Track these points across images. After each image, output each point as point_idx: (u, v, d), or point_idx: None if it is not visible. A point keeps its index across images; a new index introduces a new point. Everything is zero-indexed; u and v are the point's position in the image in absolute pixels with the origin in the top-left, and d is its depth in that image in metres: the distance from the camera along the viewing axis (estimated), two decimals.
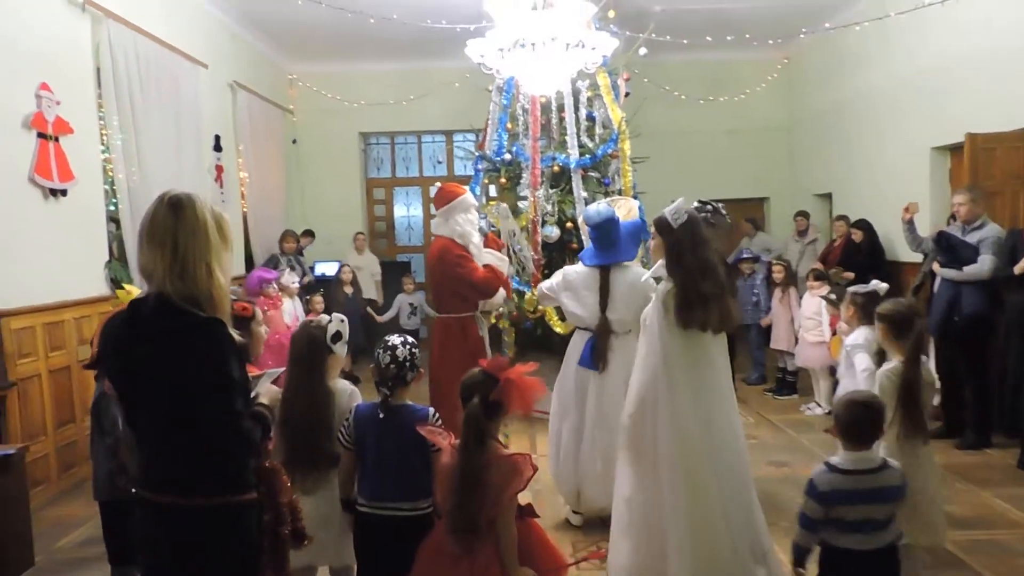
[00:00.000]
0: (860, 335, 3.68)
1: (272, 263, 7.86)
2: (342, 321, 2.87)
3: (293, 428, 2.71)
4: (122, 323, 1.97)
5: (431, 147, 10.60)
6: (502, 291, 4.70)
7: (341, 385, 2.82)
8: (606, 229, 3.93)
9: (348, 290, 8.51)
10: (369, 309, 8.84)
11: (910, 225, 5.79)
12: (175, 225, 1.92)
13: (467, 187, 4.99)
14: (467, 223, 4.62)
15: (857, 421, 2.48)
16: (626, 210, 4.93)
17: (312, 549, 2.68)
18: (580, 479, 3.98)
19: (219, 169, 7.42)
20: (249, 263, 8.18)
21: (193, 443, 1.87)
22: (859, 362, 3.50)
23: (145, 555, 1.98)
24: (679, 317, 2.92)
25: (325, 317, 2.86)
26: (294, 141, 9.88)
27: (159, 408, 1.88)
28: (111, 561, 3.30)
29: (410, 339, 2.63)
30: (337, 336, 2.81)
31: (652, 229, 3.22)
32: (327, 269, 9.07)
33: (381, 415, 2.52)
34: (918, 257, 6.34)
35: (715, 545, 2.86)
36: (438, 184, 4.61)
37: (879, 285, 4.00)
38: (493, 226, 6.63)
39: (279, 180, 9.19)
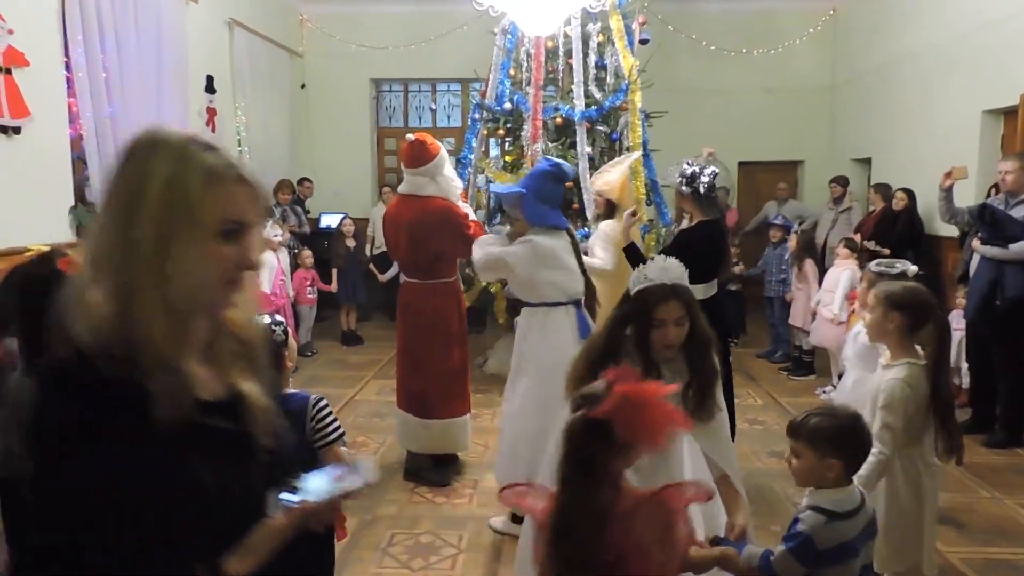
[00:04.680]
0: None
1: (268, 214, 7.53)
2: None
3: None
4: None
5: (446, 96, 10.08)
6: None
7: None
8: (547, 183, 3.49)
9: (350, 243, 8.19)
10: (372, 266, 8.51)
11: (948, 193, 5.11)
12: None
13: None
14: (451, 181, 4.14)
15: (864, 448, 1.93)
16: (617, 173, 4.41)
17: None
18: None
19: (211, 112, 7.05)
20: None
21: None
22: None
23: None
24: None
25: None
26: (303, 86, 9.45)
27: None
28: (8, 542, 3.04)
29: (273, 319, 2.15)
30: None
31: None
32: (332, 221, 8.74)
33: None
34: (956, 230, 5.71)
35: None
36: (410, 136, 4.08)
37: (908, 267, 3.46)
38: (491, 181, 6.20)
39: (283, 127, 8.79)
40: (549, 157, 3.83)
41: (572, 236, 3.61)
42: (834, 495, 1.86)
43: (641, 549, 1.56)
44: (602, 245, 4.26)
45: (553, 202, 3.51)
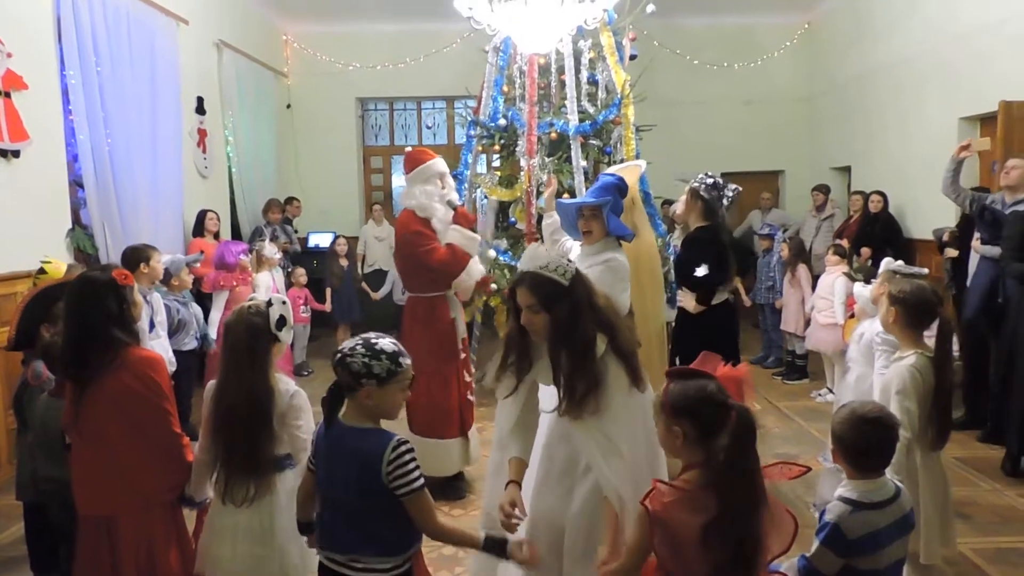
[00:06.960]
0: None
1: (257, 234, 7.51)
2: (284, 303, 2.49)
3: (229, 432, 2.33)
4: None
5: (432, 114, 10.15)
6: (472, 276, 4.11)
7: (283, 384, 2.43)
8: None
9: (344, 262, 8.18)
10: (365, 284, 8.50)
11: (958, 166, 5.06)
12: None
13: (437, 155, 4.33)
14: (425, 195, 4.03)
15: (874, 444, 1.96)
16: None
17: (248, 566, 2.36)
18: None
19: (202, 133, 7.05)
20: (235, 233, 7.84)
21: None
22: (883, 364, 3.04)
23: None
24: None
25: (261, 299, 2.49)
26: (288, 106, 9.47)
27: None
28: (32, 568, 2.98)
29: (385, 344, 1.96)
30: (281, 322, 2.43)
31: None
32: (321, 240, 8.75)
33: (323, 435, 2.02)
34: (929, 233, 5.88)
35: None
36: (408, 148, 4.16)
37: (920, 270, 3.60)
38: (485, 197, 6.25)
39: (270, 147, 8.79)
40: (610, 172, 3.75)
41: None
42: (862, 486, 1.96)
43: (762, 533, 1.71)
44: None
45: (620, 214, 3.40)
